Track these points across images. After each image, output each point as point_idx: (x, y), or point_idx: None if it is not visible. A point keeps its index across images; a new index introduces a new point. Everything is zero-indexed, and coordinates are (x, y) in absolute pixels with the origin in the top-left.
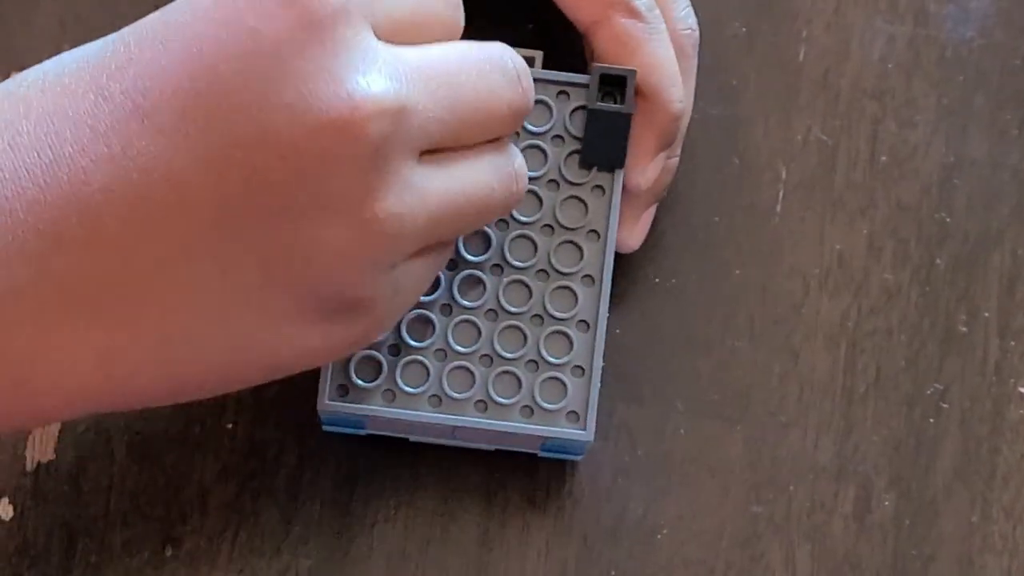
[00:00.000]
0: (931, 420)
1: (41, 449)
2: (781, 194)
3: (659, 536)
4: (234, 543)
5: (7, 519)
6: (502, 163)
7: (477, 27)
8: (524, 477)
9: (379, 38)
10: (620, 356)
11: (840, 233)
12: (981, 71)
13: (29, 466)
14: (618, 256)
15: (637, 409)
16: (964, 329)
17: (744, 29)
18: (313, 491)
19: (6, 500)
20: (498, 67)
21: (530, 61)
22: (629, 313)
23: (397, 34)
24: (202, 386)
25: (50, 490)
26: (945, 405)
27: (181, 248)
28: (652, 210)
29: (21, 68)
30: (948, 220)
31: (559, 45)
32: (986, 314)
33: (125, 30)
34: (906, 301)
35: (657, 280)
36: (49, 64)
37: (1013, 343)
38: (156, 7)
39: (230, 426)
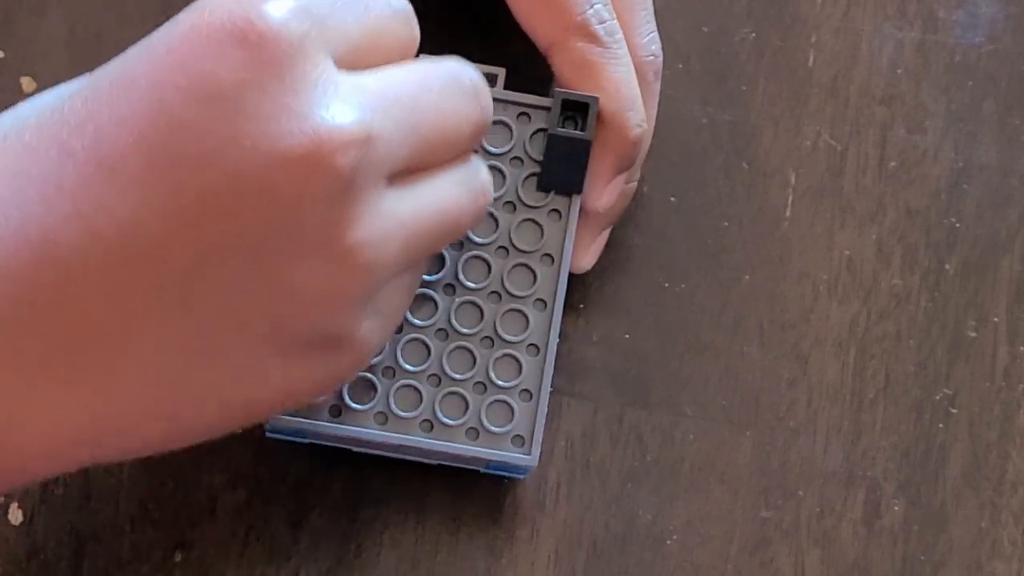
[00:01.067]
0: (940, 425)
1: None
2: (790, 199)
3: (668, 542)
4: (243, 549)
5: (16, 524)
6: (468, 177)
7: (440, 42)
8: (534, 484)
9: (338, 66)
10: (629, 362)
11: (849, 238)
12: (990, 76)
13: None
14: (626, 260)
15: (646, 415)
16: (973, 334)
17: (753, 35)
18: (322, 498)
19: (15, 505)
20: (457, 84)
21: (492, 79)
22: (638, 318)
23: (356, 59)
24: (190, 433)
25: (59, 496)
26: (954, 410)
27: (156, 300)
28: (606, 233)
29: (30, 74)
30: (957, 225)
31: (525, 61)
32: (995, 319)
33: (83, 81)
34: (915, 306)
35: (666, 285)
36: (7, 118)
37: (1022, 348)
38: (163, 10)
39: (239, 431)
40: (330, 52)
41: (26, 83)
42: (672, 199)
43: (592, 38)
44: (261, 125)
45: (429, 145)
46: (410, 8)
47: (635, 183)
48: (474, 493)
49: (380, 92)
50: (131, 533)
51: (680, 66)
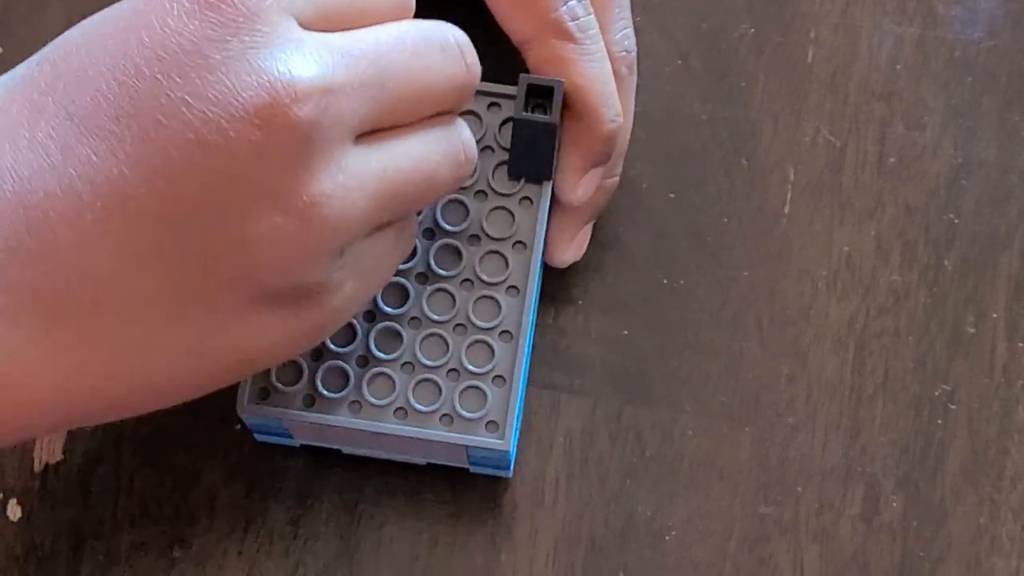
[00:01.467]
0: (939, 421)
1: (49, 450)
2: (789, 196)
3: (667, 538)
4: (242, 545)
5: (15, 520)
6: (447, 137)
7: None
8: (533, 480)
9: (308, 27)
10: (628, 358)
11: (848, 235)
12: (989, 72)
13: (37, 467)
14: (626, 257)
15: (645, 411)
16: (972, 331)
17: (752, 31)
18: (321, 492)
19: (14, 501)
20: (437, 43)
21: None
22: (637, 315)
23: (329, 23)
24: (172, 391)
25: (58, 491)
26: (953, 407)
27: (130, 252)
28: (588, 228)
29: None
30: (956, 221)
31: (505, 55)
32: (994, 315)
33: (48, 49)
34: (914, 303)
35: (666, 282)
36: None
37: (1021, 345)
38: None
39: (238, 427)
40: (294, 13)
41: None
42: (671, 195)
43: (565, 35)
44: (221, 78)
45: (401, 102)
46: None
47: (616, 178)
48: (473, 488)
49: (344, 49)
50: (130, 529)
51: (679, 62)
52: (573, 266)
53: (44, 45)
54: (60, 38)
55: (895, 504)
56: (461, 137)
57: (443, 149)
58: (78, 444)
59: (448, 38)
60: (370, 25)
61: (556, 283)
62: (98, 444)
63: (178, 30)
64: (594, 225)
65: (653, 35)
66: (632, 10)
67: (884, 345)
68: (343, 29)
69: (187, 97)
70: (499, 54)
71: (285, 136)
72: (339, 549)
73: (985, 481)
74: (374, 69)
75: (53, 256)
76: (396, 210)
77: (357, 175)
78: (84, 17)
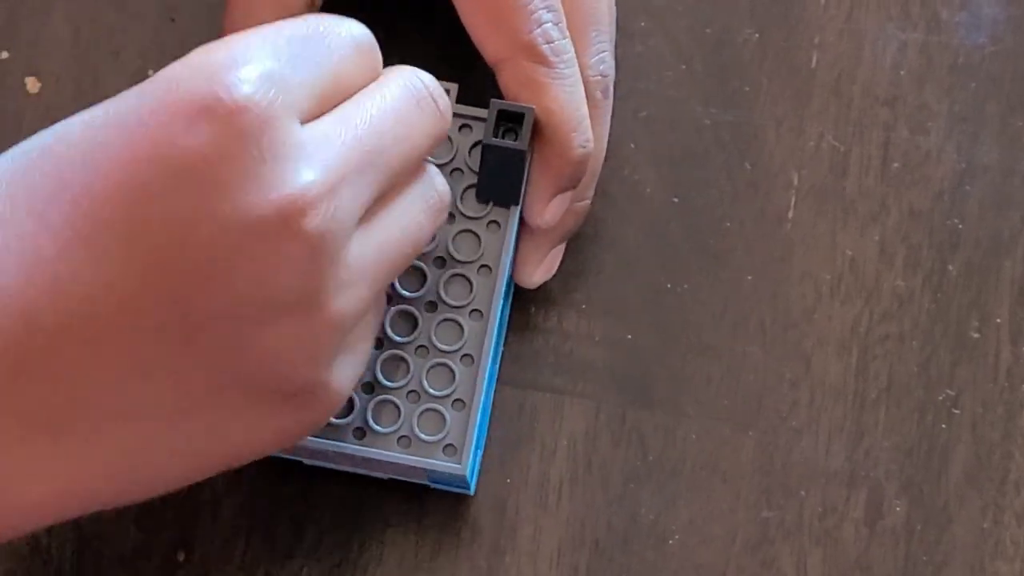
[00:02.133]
0: (943, 426)
1: None
2: (793, 200)
3: (670, 542)
4: (246, 548)
5: None
6: (424, 190)
7: (400, 57)
8: (535, 482)
9: (303, 119)
10: (631, 362)
11: (852, 239)
12: (993, 77)
13: None
14: (629, 261)
15: (648, 414)
16: (976, 335)
17: (757, 35)
18: (324, 496)
19: None
20: (413, 98)
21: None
22: (640, 318)
23: (321, 105)
24: (164, 485)
25: None
26: (957, 411)
27: (135, 365)
28: (559, 249)
29: (35, 74)
30: (960, 226)
31: (479, 74)
32: (998, 320)
33: (47, 138)
34: (918, 307)
35: (669, 285)
36: None
37: None
38: (166, 11)
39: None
40: (295, 113)
41: (31, 83)
42: (675, 200)
43: (539, 57)
44: (231, 195)
45: (392, 173)
46: (370, 34)
47: (587, 201)
48: (477, 491)
49: (342, 137)
50: (134, 532)
51: (683, 67)
52: (575, 269)
53: (49, 49)
54: (61, 128)
55: (899, 508)
56: (435, 186)
57: (423, 205)
58: None
59: (420, 88)
60: (348, 91)
61: (559, 286)
62: None
63: (186, 146)
64: (596, 228)
65: (656, 39)
66: (635, 14)
67: (888, 349)
68: (331, 105)
69: (197, 216)
70: (477, 72)
71: (295, 249)
72: (342, 552)
73: (989, 485)
74: (368, 149)
75: (59, 375)
76: (388, 282)
77: (359, 267)
78: (88, 21)
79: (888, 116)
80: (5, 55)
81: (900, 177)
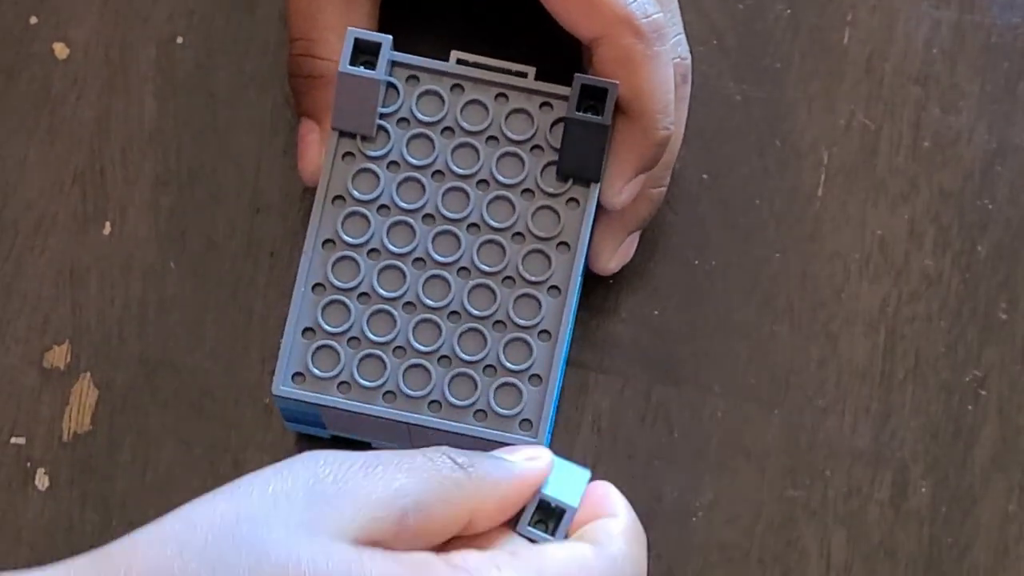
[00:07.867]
0: (969, 407)
1: (78, 420)
2: (823, 178)
3: (694, 519)
4: None
5: (43, 490)
6: None
7: (475, 44)
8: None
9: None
10: (658, 338)
11: (881, 218)
12: None
13: (66, 437)
14: (657, 237)
15: (675, 392)
16: (1004, 316)
17: (788, 11)
18: None
19: (42, 471)
20: (450, 493)
21: (522, 76)
22: (668, 295)
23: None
24: None
25: (86, 462)
26: (984, 392)
27: None
28: (634, 237)
29: (63, 40)
30: (990, 207)
31: (554, 61)
32: None
33: None
34: (946, 287)
35: (697, 263)
36: None
37: None
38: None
39: (267, 401)
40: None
41: (59, 49)
42: (704, 176)
43: (637, 32)
44: None
45: None
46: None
47: (663, 188)
48: None
49: None
50: (157, 500)
51: (715, 42)
52: None
53: (77, 13)
54: None
55: (923, 490)
56: None
57: None
58: (106, 415)
59: (451, 490)
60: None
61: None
62: (126, 415)
63: None
64: None
65: (689, 15)
66: None
67: (915, 330)
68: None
69: None
70: (553, 54)
71: None
72: None
73: (1015, 468)
74: None
75: None
76: None
77: None
78: None
79: (920, 95)
80: (34, 20)
81: (931, 156)
